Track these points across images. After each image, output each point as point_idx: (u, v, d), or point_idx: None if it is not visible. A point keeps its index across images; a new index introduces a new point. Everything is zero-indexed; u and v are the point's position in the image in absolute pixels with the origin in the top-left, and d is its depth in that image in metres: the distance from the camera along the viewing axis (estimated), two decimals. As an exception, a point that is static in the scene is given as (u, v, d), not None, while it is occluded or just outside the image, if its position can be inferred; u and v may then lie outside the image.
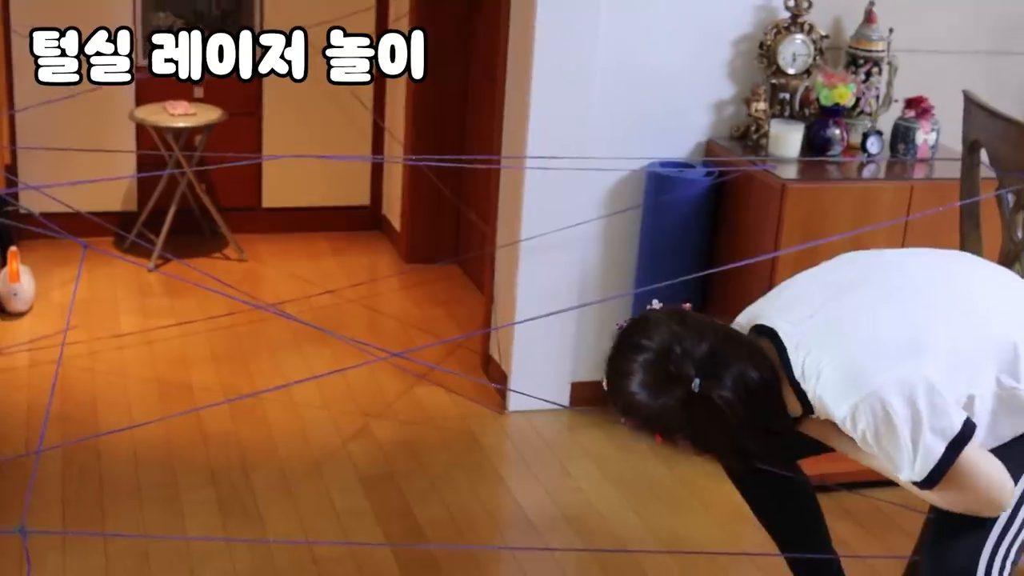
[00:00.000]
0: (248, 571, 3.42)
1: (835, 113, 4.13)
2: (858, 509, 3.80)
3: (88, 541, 3.51)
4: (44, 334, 4.77)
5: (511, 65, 4.29)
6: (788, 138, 4.10)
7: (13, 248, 5.02)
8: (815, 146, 4.13)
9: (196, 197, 5.79)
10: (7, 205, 5.39)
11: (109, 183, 5.74)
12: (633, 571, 3.54)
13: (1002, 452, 2.48)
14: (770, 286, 2.89)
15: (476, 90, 5.40)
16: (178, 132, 5.57)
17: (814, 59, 4.21)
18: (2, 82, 5.38)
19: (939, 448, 2.35)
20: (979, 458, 2.40)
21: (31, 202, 5.43)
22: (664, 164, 4.21)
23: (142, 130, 5.77)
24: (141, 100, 5.75)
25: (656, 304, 2.51)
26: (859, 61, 4.22)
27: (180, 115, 5.55)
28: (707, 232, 4.15)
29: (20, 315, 4.95)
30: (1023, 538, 2.54)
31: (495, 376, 4.51)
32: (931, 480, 2.37)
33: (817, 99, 4.14)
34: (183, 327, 4.93)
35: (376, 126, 6.05)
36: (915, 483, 2.41)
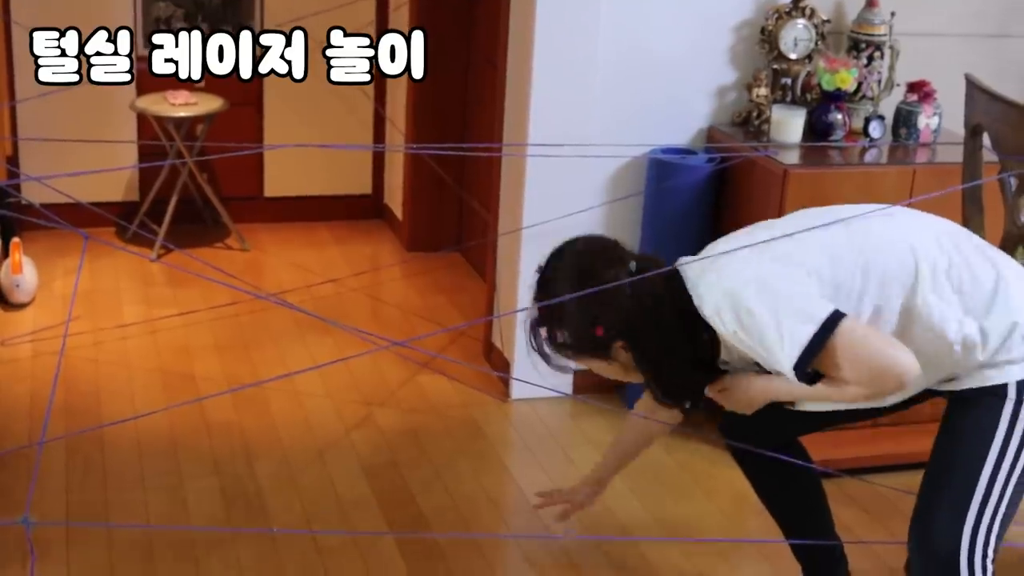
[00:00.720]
0: (252, 561, 3.43)
1: (837, 98, 4.13)
2: (861, 495, 3.81)
3: (92, 532, 3.52)
4: (47, 325, 4.78)
5: (512, 52, 4.29)
6: (790, 123, 4.10)
7: (15, 239, 5.02)
8: (817, 131, 4.13)
9: (198, 187, 5.79)
10: (9, 196, 5.39)
11: (110, 173, 5.74)
12: (636, 558, 3.55)
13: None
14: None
15: (477, 78, 5.40)
16: (179, 122, 5.58)
17: (816, 44, 4.21)
18: (3, 73, 5.38)
19: (806, 330, 2.43)
20: (862, 334, 2.46)
21: (32, 193, 5.44)
22: (666, 151, 4.21)
23: (143, 120, 5.78)
24: (142, 90, 5.75)
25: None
26: (861, 45, 4.21)
27: (181, 104, 5.55)
28: (709, 219, 4.15)
29: (23, 306, 4.96)
30: (1003, 514, 2.57)
31: (498, 364, 4.51)
32: (802, 364, 2.44)
33: (819, 84, 4.14)
34: (186, 317, 4.94)
35: (377, 115, 6.04)
36: (798, 377, 2.47)
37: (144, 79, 5.69)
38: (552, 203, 4.18)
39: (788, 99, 4.24)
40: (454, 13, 5.44)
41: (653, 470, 3.98)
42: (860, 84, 4.19)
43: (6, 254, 5.08)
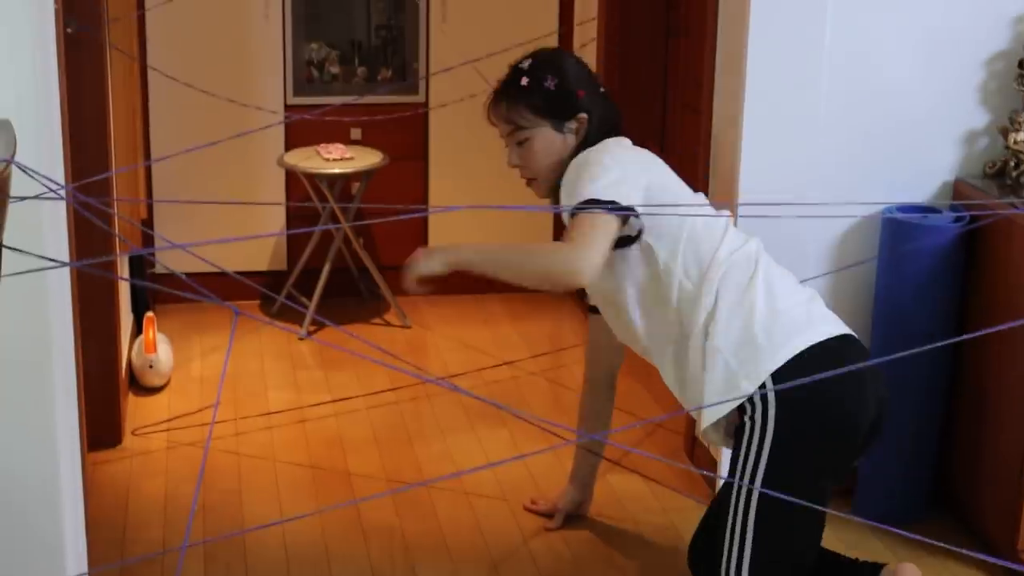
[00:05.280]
0: None
1: (1113, 145, 4.01)
2: None
3: (233, 653, 3.56)
4: (183, 412, 4.88)
5: (719, 96, 4.27)
6: (1055, 176, 3.99)
7: (149, 314, 5.15)
8: (1089, 185, 4.02)
9: (353, 254, 5.88)
10: (144, 265, 5.54)
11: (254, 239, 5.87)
12: None
13: None
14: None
15: (676, 124, 5.39)
16: (333, 179, 5.68)
17: (1085, 80, 4.11)
18: (139, 128, 5.55)
19: (585, 192, 3.33)
20: (600, 226, 3.26)
21: (167, 259, 5.58)
22: (903, 209, 4.13)
23: (292, 177, 5.90)
24: (291, 143, 5.87)
25: None
26: None
27: (335, 160, 5.65)
28: (957, 289, 4.06)
29: (156, 390, 5.07)
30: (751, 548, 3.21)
31: (702, 462, 4.46)
32: (572, 214, 3.34)
33: (1090, 128, 4.03)
34: (339, 404, 5.00)
35: (559, 169, 6.07)
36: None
37: (294, 131, 5.84)
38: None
39: (1052, 146, 4.14)
40: (649, 51, 5.44)
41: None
42: None
43: (139, 331, 5.21)
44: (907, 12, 4.08)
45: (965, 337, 3.43)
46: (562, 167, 3.57)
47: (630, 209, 3.30)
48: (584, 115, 3.60)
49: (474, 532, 4.17)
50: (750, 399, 3.21)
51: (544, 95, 3.60)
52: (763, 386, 3.20)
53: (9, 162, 2.00)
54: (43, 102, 2.93)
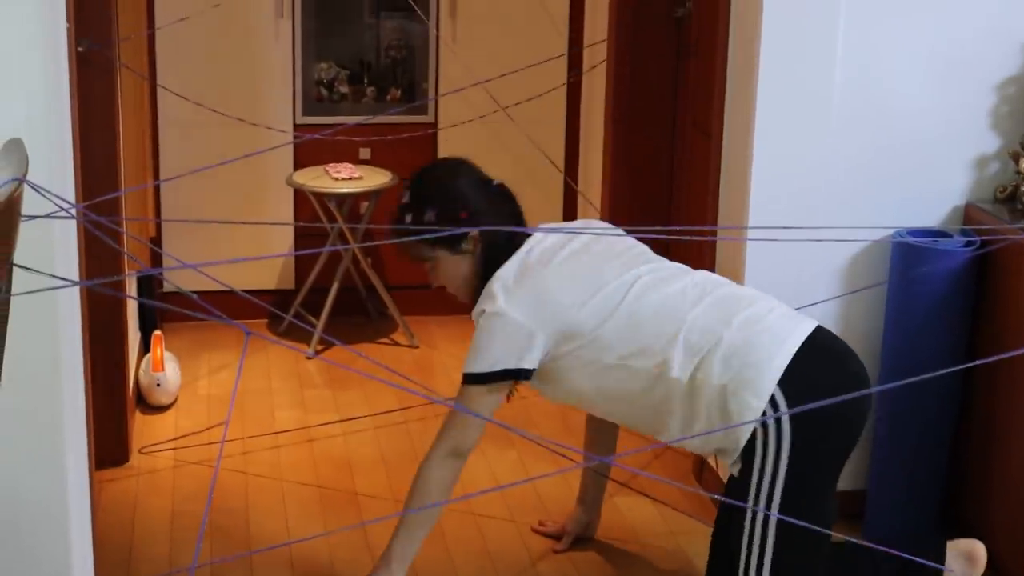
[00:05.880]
0: None
1: (1124, 170, 4.00)
2: None
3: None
4: (190, 431, 4.88)
5: (729, 118, 4.27)
6: (1066, 201, 3.98)
7: (157, 332, 5.14)
8: (1100, 210, 4.01)
9: (361, 273, 5.88)
10: (153, 283, 5.54)
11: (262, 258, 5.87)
12: None
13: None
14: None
15: (686, 147, 5.38)
16: (342, 199, 5.68)
17: (1097, 105, 4.10)
18: (148, 146, 5.55)
19: (472, 365, 3.52)
20: (480, 406, 3.51)
21: (175, 278, 5.57)
22: (913, 233, 4.12)
23: (301, 196, 5.90)
24: (300, 163, 5.88)
25: None
26: None
27: (344, 179, 5.65)
28: (967, 313, 4.05)
29: (163, 408, 5.07)
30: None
31: (711, 484, 4.44)
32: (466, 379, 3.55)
33: (1101, 153, 4.02)
34: (347, 424, 4.99)
35: (568, 189, 6.07)
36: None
37: (303, 150, 5.85)
38: (776, 296, 4.11)
39: (1063, 171, 4.13)
40: (659, 73, 5.43)
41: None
42: None
43: (146, 349, 5.20)
44: (919, 35, 4.07)
45: (976, 363, 3.42)
46: (475, 281, 3.66)
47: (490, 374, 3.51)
48: (475, 235, 3.63)
49: (482, 554, 4.16)
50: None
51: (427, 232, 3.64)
52: (774, 401, 3.28)
53: (21, 181, 1.99)
54: (54, 121, 2.93)
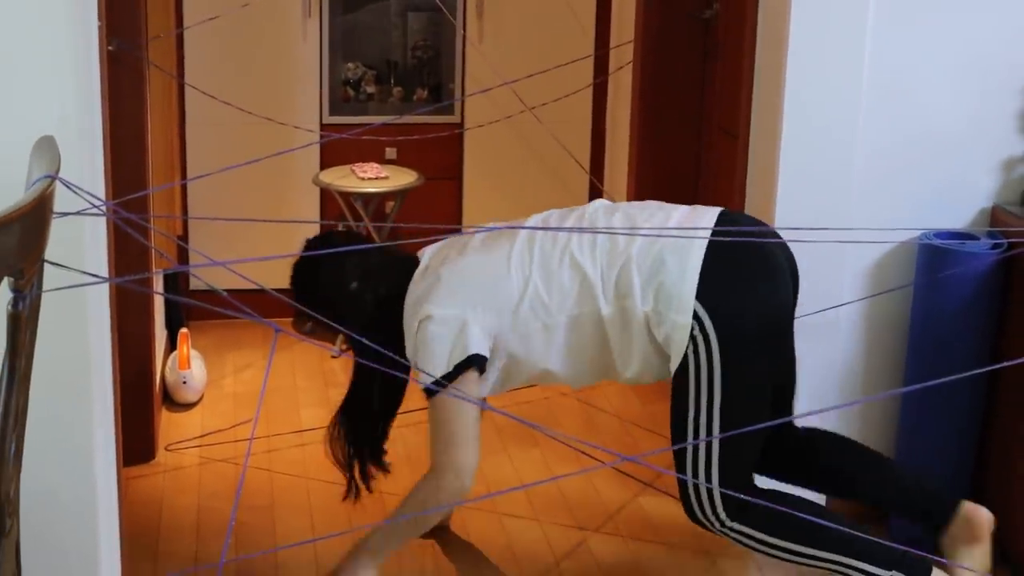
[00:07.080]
0: None
1: None
2: None
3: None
4: (215, 428, 4.89)
5: (756, 120, 4.27)
6: (1093, 203, 3.98)
7: (184, 330, 5.16)
8: None
9: (387, 272, 5.88)
10: (180, 281, 5.56)
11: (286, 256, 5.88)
12: None
13: None
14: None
15: (713, 148, 5.38)
16: (368, 198, 5.69)
17: (1125, 108, 4.09)
18: (176, 144, 5.58)
19: (426, 380, 3.55)
20: (455, 412, 3.58)
21: (202, 276, 5.59)
22: (940, 235, 4.11)
23: (327, 196, 5.91)
24: (327, 162, 5.89)
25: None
26: None
27: (370, 179, 5.66)
28: (994, 315, 4.04)
29: (189, 406, 5.09)
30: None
31: (735, 485, 4.43)
32: (428, 393, 3.59)
33: None
34: (372, 422, 4.99)
35: (593, 189, 6.07)
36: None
37: (329, 149, 5.86)
38: (802, 298, 4.11)
39: (1090, 174, 4.12)
40: (686, 74, 5.44)
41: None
42: None
43: (172, 347, 5.22)
44: (947, 36, 4.07)
45: (1002, 365, 3.41)
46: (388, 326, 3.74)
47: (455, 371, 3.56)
48: (365, 299, 3.79)
49: (506, 552, 4.17)
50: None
51: (321, 312, 3.66)
52: (696, 315, 3.42)
53: (53, 178, 2.01)
54: (86, 119, 2.95)
